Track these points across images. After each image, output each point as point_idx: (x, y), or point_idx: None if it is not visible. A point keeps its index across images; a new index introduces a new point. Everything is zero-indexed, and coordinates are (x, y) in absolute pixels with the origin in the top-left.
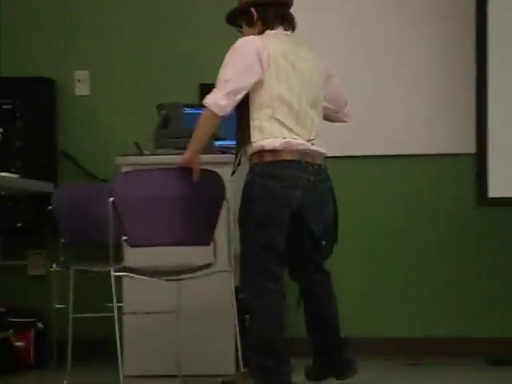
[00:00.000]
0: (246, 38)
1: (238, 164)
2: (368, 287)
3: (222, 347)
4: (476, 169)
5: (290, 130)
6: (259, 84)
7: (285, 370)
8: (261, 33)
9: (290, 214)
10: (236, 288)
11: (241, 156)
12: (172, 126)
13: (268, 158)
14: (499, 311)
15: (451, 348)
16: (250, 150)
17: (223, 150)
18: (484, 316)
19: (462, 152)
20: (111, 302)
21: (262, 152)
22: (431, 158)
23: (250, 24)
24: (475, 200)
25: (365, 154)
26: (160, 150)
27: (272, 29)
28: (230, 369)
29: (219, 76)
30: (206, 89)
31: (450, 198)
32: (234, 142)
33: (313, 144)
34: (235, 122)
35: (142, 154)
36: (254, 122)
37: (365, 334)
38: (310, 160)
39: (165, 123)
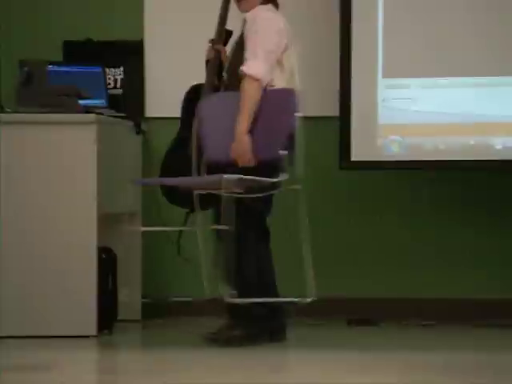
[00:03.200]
0: (271, 14)
1: None
2: None
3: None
4: (339, 132)
5: None
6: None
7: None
8: (255, 3)
9: None
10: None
11: None
12: (36, 84)
13: None
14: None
15: None
16: None
17: (88, 110)
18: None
19: (325, 115)
20: None
21: None
22: None
23: None
24: (338, 163)
25: None
26: (23, 108)
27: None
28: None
29: (260, 45)
30: (70, 46)
31: (315, 160)
32: (101, 101)
33: None
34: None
35: (3, 112)
36: None
37: None
38: None
39: (28, 80)
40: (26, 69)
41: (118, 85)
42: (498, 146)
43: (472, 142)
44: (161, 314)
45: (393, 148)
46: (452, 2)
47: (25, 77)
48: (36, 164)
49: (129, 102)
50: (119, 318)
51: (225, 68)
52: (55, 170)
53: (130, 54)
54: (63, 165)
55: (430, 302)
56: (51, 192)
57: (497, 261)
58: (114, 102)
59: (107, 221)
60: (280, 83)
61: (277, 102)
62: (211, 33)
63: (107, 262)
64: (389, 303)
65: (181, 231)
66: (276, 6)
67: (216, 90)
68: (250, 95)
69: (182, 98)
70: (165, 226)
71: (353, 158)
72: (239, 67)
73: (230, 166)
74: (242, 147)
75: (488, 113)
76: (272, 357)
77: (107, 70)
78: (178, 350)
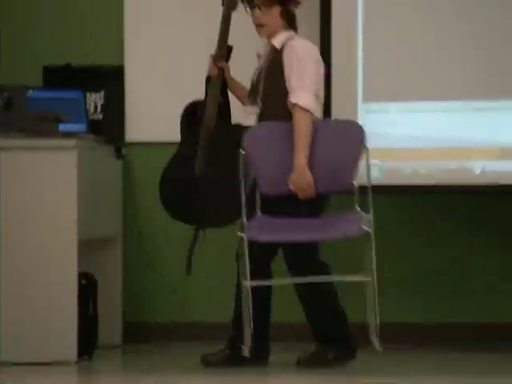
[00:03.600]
0: (309, 43)
1: None
2: None
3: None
4: None
5: None
6: None
7: None
8: (278, 28)
9: None
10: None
11: None
12: (16, 109)
13: None
14: None
15: None
16: None
17: (67, 133)
18: None
19: None
20: None
21: None
22: None
23: (284, 15)
24: None
25: None
26: (2, 134)
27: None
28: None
29: (307, 75)
30: (50, 71)
31: None
32: (81, 126)
33: None
34: None
35: None
36: None
37: None
38: None
39: (7, 106)
40: (5, 94)
41: (99, 110)
42: (477, 171)
43: (452, 167)
44: (142, 339)
45: (373, 172)
46: (429, 29)
47: (4, 102)
48: (16, 189)
49: (109, 127)
50: (100, 343)
51: (258, 95)
52: (35, 195)
53: (111, 79)
54: (43, 190)
55: None
56: (31, 217)
57: None
58: (94, 127)
59: (88, 246)
60: (318, 114)
61: (341, 133)
62: (192, 57)
63: (88, 288)
64: None
65: (192, 250)
66: (296, 30)
67: (220, 106)
68: (305, 127)
69: (180, 115)
70: (146, 250)
71: None
72: (275, 96)
73: (288, 199)
74: (305, 180)
75: (467, 137)
76: None
77: (88, 95)
78: (159, 376)
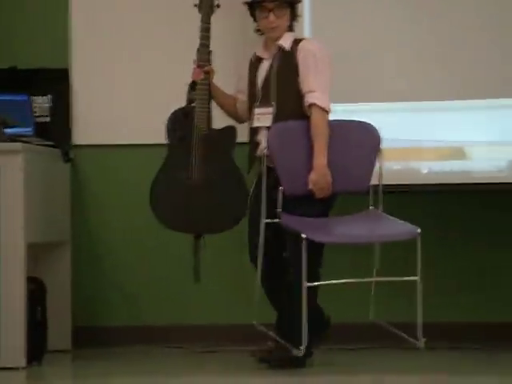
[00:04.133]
0: (323, 45)
1: None
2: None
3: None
4: None
5: None
6: None
7: None
8: (285, 29)
9: None
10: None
11: None
12: None
13: None
14: None
15: None
16: None
17: (14, 139)
18: None
19: None
20: None
21: None
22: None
23: (293, 17)
24: None
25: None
26: None
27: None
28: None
29: (324, 77)
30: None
31: None
32: (28, 129)
33: None
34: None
35: None
36: None
37: None
38: None
39: None
40: None
41: (46, 113)
42: (425, 170)
43: (397, 167)
44: (92, 343)
45: None
46: (386, 25)
47: None
48: None
49: (56, 130)
50: (49, 348)
51: (271, 96)
52: None
53: (57, 82)
54: None
55: None
56: None
57: None
58: (42, 131)
59: (36, 250)
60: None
61: (357, 134)
62: (138, 59)
63: (36, 293)
64: None
65: (198, 258)
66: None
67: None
68: (324, 126)
69: (166, 123)
70: (96, 254)
71: None
72: (290, 96)
73: (306, 198)
74: (325, 179)
75: (413, 138)
76: None
77: (35, 98)
78: (109, 380)
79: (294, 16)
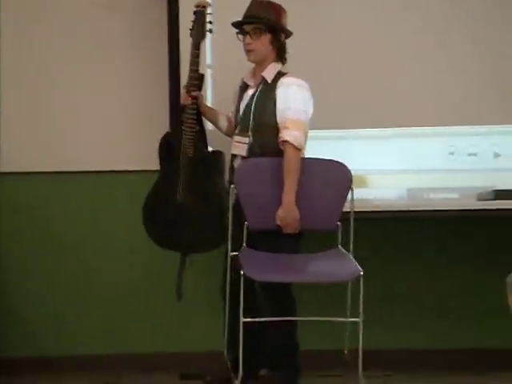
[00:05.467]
0: (303, 82)
1: None
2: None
3: None
4: None
5: None
6: None
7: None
8: (267, 55)
9: None
10: None
11: None
12: None
13: None
14: None
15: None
16: None
17: None
18: None
19: None
20: None
21: None
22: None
23: (274, 43)
24: None
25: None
26: None
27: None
28: None
29: (300, 114)
30: None
31: None
32: None
33: None
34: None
35: None
36: None
37: None
38: None
39: None
40: None
41: None
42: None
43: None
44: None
45: None
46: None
47: None
48: None
49: None
50: None
51: (249, 126)
52: None
53: None
54: None
55: None
56: None
57: None
58: None
59: None
60: (305, 152)
61: (327, 172)
62: (70, 83)
63: None
64: None
65: (181, 276)
66: (285, 61)
67: (196, 133)
68: (295, 164)
69: (158, 149)
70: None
71: None
72: (266, 130)
73: (271, 233)
74: (293, 216)
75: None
76: None
77: None
78: None
79: (277, 42)
